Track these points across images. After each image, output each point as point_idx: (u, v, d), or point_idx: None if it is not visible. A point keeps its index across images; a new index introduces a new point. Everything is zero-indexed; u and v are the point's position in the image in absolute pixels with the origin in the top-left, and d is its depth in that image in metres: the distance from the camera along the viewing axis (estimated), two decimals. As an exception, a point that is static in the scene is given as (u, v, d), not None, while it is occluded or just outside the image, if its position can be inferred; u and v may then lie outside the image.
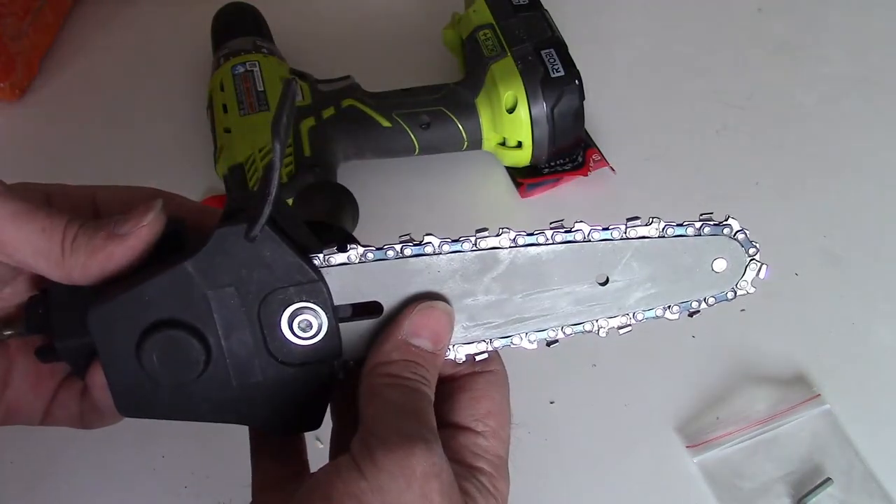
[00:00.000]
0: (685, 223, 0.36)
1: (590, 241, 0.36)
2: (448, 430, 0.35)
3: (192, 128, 0.70)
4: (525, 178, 0.65)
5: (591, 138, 0.68)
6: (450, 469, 0.32)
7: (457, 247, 0.36)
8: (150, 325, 0.34)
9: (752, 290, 0.38)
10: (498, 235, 0.36)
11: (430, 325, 0.34)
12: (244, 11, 0.72)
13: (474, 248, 0.36)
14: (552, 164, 0.65)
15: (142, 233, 0.33)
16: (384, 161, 0.65)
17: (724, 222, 0.37)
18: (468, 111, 0.63)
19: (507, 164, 0.66)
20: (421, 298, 0.35)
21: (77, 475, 0.53)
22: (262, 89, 0.63)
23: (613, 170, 0.66)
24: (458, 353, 0.37)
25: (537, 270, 0.36)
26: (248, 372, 0.35)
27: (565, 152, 0.65)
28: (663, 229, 0.36)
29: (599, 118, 0.69)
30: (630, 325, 0.38)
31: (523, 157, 0.64)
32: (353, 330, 0.36)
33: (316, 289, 0.34)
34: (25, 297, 0.36)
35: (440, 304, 0.35)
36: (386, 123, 0.62)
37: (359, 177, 0.66)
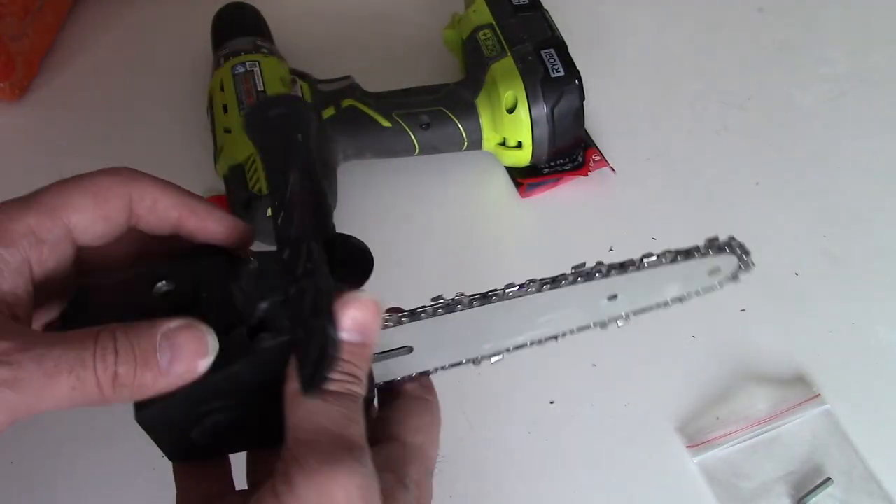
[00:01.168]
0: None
1: (608, 275, 0.38)
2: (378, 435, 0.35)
3: (192, 128, 0.70)
4: (525, 178, 0.65)
5: (591, 138, 0.68)
6: (376, 486, 0.30)
7: (486, 300, 0.38)
8: (205, 412, 0.33)
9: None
10: (525, 285, 0.38)
11: (356, 316, 0.32)
12: (244, 11, 0.72)
13: (503, 298, 0.38)
14: (552, 164, 0.65)
15: (192, 375, 0.31)
16: (384, 161, 0.65)
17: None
18: (468, 111, 0.63)
19: (507, 164, 0.66)
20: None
21: (77, 475, 0.53)
22: (262, 89, 0.63)
23: (613, 170, 0.66)
24: (479, 362, 0.40)
25: (556, 301, 0.38)
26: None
27: (565, 152, 0.65)
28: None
29: (599, 118, 0.69)
30: (629, 317, 0.41)
31: (523, 157, 0.64)
32: (389, 364, 0.38)
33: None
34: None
35: (365, 293, 0.33)
36: (386, 123, 0.62)
37: (359, 177, 0.66)
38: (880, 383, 0.56)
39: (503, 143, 0.64)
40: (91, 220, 0.34)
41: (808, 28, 0.76)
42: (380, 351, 0.36)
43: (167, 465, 0.54)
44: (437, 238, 0.64)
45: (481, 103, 0.63)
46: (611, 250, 0.62)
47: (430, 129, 0.63)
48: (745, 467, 0.52)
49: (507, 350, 0.40)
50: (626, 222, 0.63)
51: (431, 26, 0.74)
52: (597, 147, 0.67)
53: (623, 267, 0.38)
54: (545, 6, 0.66)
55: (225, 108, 0.63)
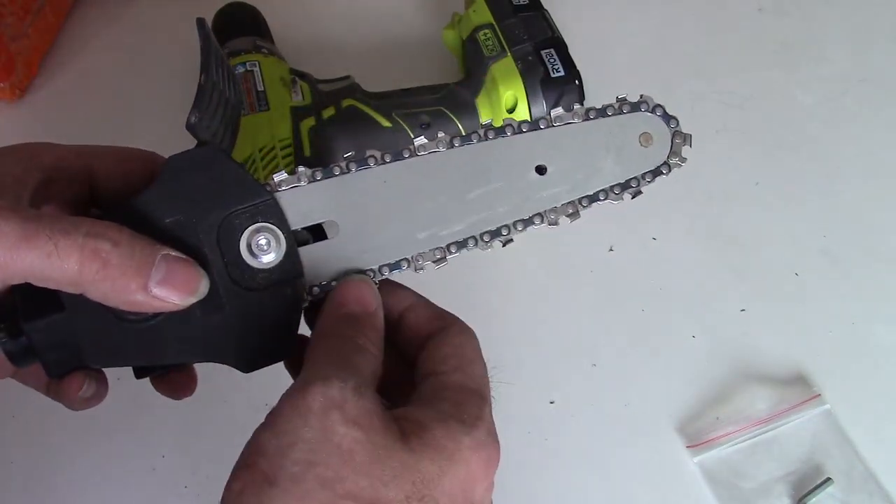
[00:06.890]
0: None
1: (521, 132, 0.38)
2: (420, 379, 0.36)
3: (192, 128, 0.69)
4: (525, 178, 0.65)
5: (591, 138, 0.68)
6: (361, 402, 0.31)
7: (398, 157, 0.37)
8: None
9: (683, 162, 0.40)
10: (435, 140, 0.37)
11: (353, 295, 0.35)
12: (244, 11, 0.72)
13: (414, 154, 0.37)
14: (552, 164, 0.65)
15: (170, 306, 0.32)
16: (384, 161, 0.65)
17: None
18: (468, 111, 0.63)
19: (507, 164, 0.66)
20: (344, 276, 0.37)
21: (77, 475, 0.53)
22: (262, 89, 0.63)
23: (613, 170, 0.66)
24: (421, 265, 0.38)
25: (478, 167, 0.37)
26: (212, 302, 0.34)
27: (565, 152, 0.65)
28: (585, 113, 0.38)
29: (599, 118, 0.68)
30: (578, 212, 0.39)
31: (523, 157, 0.64)
32: (315, 254, 0.36)
33: (270, 208, 0.35)
34: None
35: (356, 275, 0.36)
36: (386, 123, 0.62)
37: (359, 177, 0.66)
38: (880, 383, 0.56)
39: (503, 143, 0.64)
40: (111, 170, 0.39)
41: (808, 28, 0.76)
42: (300, 227, 0.36)
43: (167, 465, 0.54)
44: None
45: (481, 103, 0.63)
46: (611, 250, 0.62)
47: (430, 129, 0.63)
48: (745, 467, 0.52)
49: (448, 247, 0.38)
50: (625, 222, 0.63)
51: (431, 26, 0.74)
52: (597, 147, 0.67)
53: (535, 124, 0.38)
54: (545, 6, 0.66)
55: (225, 108, 0.63)
